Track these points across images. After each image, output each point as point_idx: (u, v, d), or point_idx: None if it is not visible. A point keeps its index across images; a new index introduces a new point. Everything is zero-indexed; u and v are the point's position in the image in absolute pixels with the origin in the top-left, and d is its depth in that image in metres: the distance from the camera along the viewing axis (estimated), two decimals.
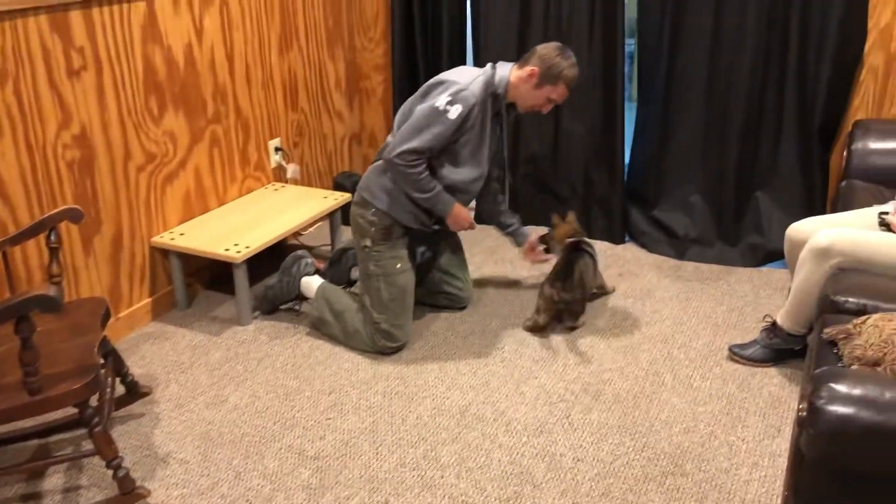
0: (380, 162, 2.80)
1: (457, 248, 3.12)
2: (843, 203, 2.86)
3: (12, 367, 2.01)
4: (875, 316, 1.93)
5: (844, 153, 3.10)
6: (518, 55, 3.64)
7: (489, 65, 2.78)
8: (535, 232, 3.13)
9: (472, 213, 2.96)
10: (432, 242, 2.92)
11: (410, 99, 2.78)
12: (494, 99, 2.75)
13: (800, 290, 2.49)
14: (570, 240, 3.02)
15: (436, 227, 2.88)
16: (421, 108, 2.65)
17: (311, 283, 3.03)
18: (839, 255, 2.35)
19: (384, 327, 2.79)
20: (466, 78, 2.68)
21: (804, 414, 1.55)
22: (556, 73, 2.72)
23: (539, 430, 2.42)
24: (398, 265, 2.80)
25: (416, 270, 2.91)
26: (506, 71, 2.74)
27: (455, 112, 2.60)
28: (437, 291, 3.11)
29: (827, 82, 3.21)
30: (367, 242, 2.81)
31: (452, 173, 2.75)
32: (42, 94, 2.56)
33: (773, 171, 3.44)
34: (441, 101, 2.61)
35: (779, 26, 3.23)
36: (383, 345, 2.81)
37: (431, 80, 2.73)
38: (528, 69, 2.72)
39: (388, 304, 2.79)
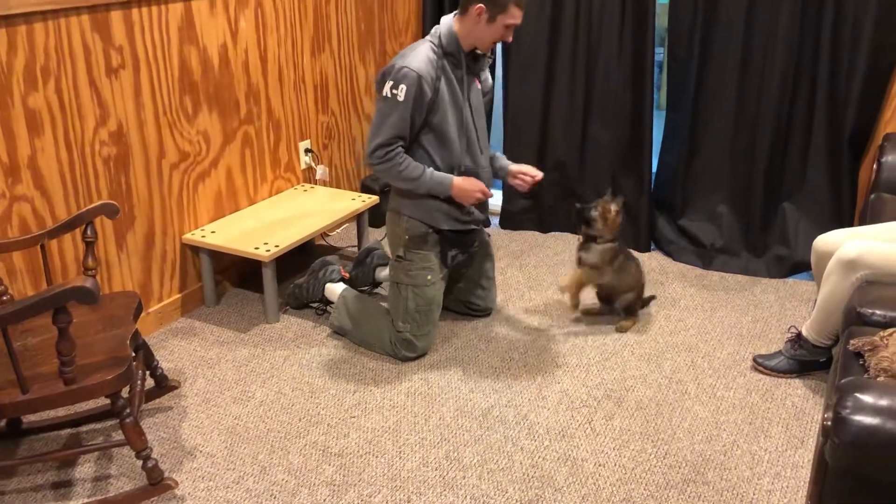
0: None
1: (486, 258, 3.10)
2: (871, 216, 2.84)
3: (48, 357, 2.06)
4: None
5: (874, 166, 3.08)
6: (548, 62, 3.69)
7: (434, 28, 2.71)
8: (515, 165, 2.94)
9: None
10: (466, 245, 2.90)
11: None
12: (452, 58, 2.67)
13: (826, 301, 2.49)
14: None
15: (470, 224, 2.84)
16: (377, 103, 2.66)
17: (335, 290, 3.07)
18: (866, 267, 2.35)
19: (406, 336, 2.81)
20: (406, 55, 2.63)
21: (829, 423, 1.55)
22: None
23: (561, 435, 2.44)
24: (428, 276, 2.79)
25: (447, 278, 2.91)
26: (447, 25, 2.66)
27: (402, 93, 2.57)
28: (461, 300, 3.13)
29: (858, 94, 3.20)
30: (400, 252, 2.82)
31: (446, 154, 2.71)
32: (82, 92, 2.63)
33: (802, 183, 3.43)
34: (386, 87, 2.60)
35: (810, 38, 3.22)
36: (403, 354, 2.83)
37: (379, 73, 2.69)
38: (473, 8, 2.59)
39: (414, 314, 2.80)
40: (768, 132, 3.37)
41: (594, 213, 2.90)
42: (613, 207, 2.89)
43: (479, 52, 2.72)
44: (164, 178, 2.99)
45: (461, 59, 2.69)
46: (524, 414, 2.54)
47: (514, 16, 2.63)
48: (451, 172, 2.73)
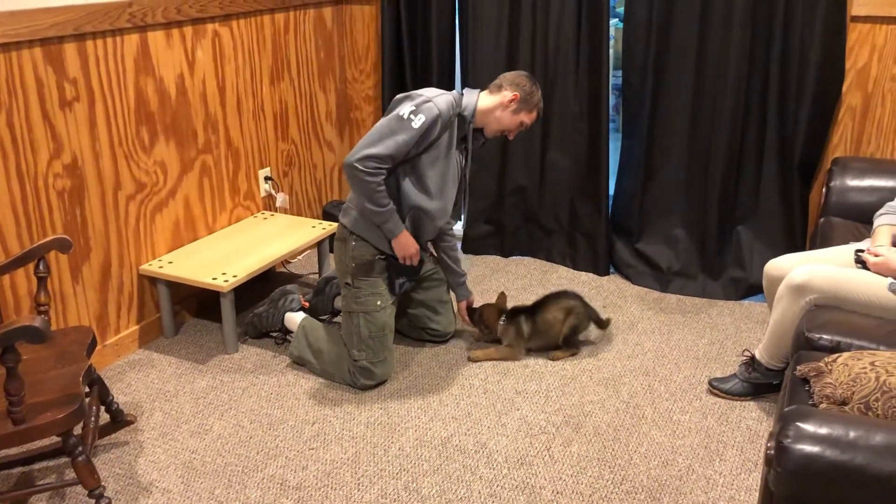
0: None
1: (441, 282, 3.14)
2: (821, 239, 2.91)
3: None
4: (846, 354, 1.97)
5: (823, 190, 3.16)
6: None
7: (455, 90, 2.84)
8: (470, 298, 3.18)
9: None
10: (412, 273, 2.94)
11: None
12: (461, 121, 2.77)
13: (777, 325, 2.54)
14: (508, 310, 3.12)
15: None
16: (385, 118, 2.67)
17: (294, 319, 3.06)
18: (815, 291, 2.40)
19: (363, 364, 2.81)
20: (433, 93, 2.70)
21: (771, 452, 1.58)
22: (534, 101, 2.83)
23: (520, 463, 2.45)
24: (378, 302, 2.81)
25: (397, 303, 2.93)
26: (473, 97, 2.79)
27: (418, 121, 2.61)
28: (419, 326, 3.14)
29: (807, 120, 3.28)
30: (348, 279, 2.83)
31: (418, 197, 2.75)
32: (34, 125, 2.61)
33: (755, 207, 3.50)
34: (405, 109, 2.63)
35: (760, 66, 3.30)
36: (362, 383, 2.83)
37: (399, 95, 2.74)
38: (507, 94, 2.77)
39: (368, 341, 2.80)
40: (721, 157, 3.43)
41: (476, 318, 3.12)
42: (482, 313, 3.10)
43: (482, 134, 2.88)
44: (121, 210, 2.97)
45: (467, 127, 2.80)
46: (483, 442, 2.55)
47: (532, 119, 2.87)
48: (407, 212, 2.77)
